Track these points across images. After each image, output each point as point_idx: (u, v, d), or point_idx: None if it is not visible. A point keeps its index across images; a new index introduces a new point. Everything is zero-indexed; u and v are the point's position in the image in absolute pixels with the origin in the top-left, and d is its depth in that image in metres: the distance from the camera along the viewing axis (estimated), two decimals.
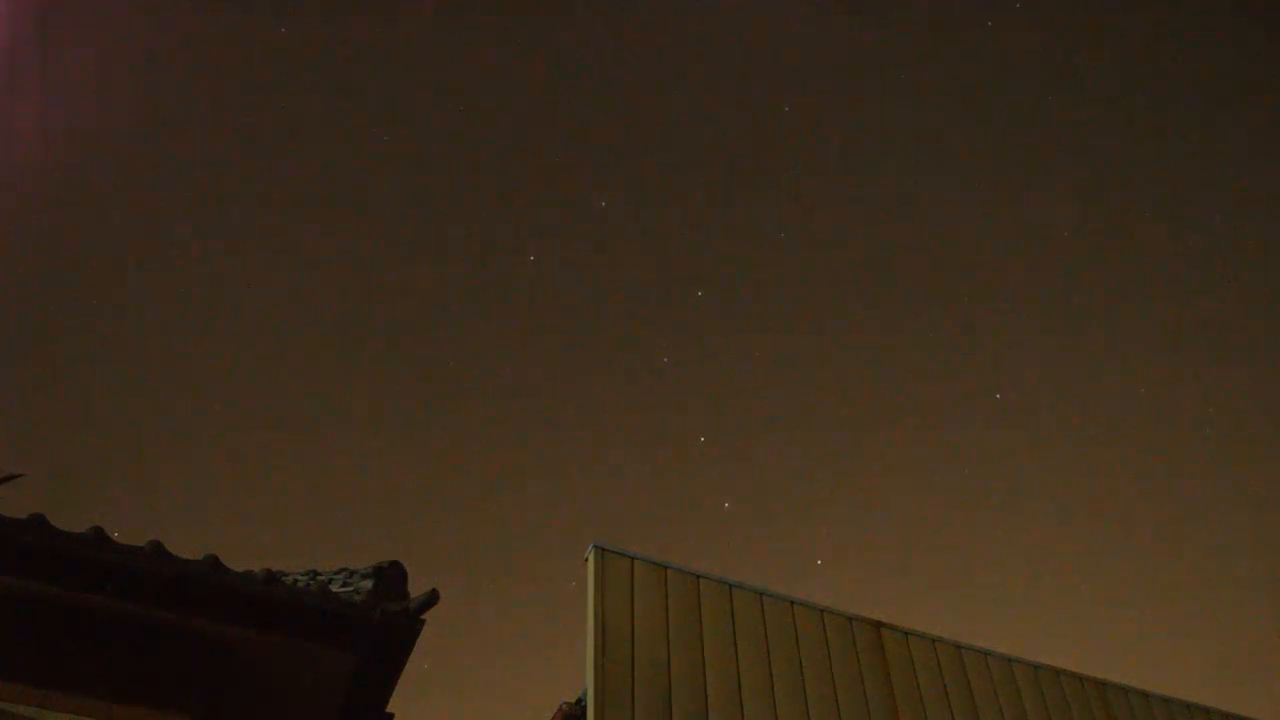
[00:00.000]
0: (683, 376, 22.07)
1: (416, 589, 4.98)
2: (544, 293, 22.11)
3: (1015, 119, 21.08)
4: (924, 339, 21.48)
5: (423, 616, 4.78)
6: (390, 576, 5.01)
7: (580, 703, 5.91)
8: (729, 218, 22.38)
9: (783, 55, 21.30)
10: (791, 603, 6.71)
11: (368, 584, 4.85)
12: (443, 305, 22.13)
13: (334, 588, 4.87)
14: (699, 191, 22.26)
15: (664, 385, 21.92)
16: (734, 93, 21.75)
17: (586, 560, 6.13)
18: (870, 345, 21.95)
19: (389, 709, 5.30)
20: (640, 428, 22.27)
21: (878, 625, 6.95)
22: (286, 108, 20.29)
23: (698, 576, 6.48)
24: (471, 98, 21.41)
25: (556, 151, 21.95)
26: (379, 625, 4.61)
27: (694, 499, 21.89)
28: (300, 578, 5.06)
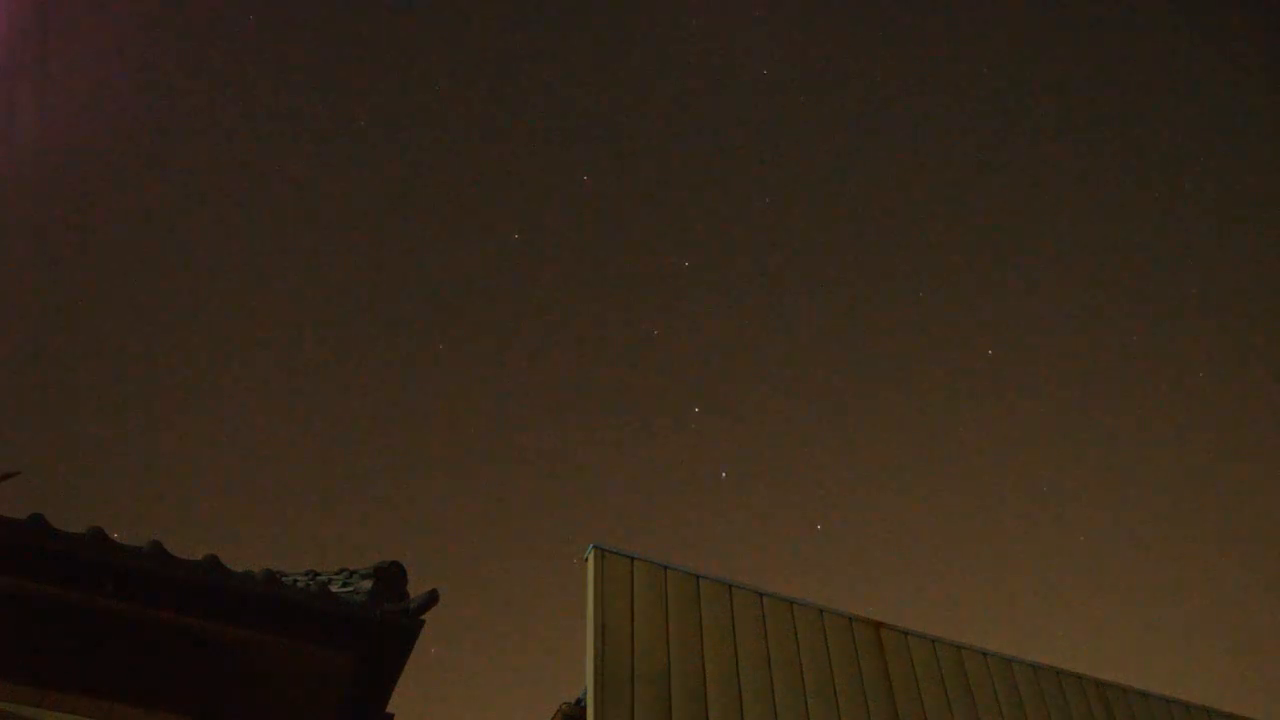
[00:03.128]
0: (673, 348, 22.01)
1: (416, 589, 4.99)
2: (531, 271, 22.03)
3: (1008, 72, 20.96)
4: (914, 299, 21.38)
5: (423, 616, 4.78)
6: (390, 576, 5.02)
7: (580, 703, 5.92)
8: (713, 185, 22.31)
9: (761, 21, 21.17)
10: (791, 603, 6.72)
11: (368, 584, 4.85)
12: (433, 295, 22.07)
13: (334, 588, 4.87)
14: (681, 160, 22.19)
15: (654, 358, 21.87)
16: (712, 59, 21.65)
17: (586, 560, 6.14)
18: (861, 307, 21.87)
19: (389, 709, 5.30)
20: (633, 402, 22.24)
21: (877, 625, 6.95)
22: (260, 97, 20.22)
23: (697, 577, 6.49)
24: (449, 78, 21.33)
25: (537, 128, 21.88)
26: (379, 625, 4.61)
27: (690, 469, 21.85)
28: (300, 578, 5.07)
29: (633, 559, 6.28)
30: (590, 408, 22.48)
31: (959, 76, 21.03)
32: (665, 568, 6.38)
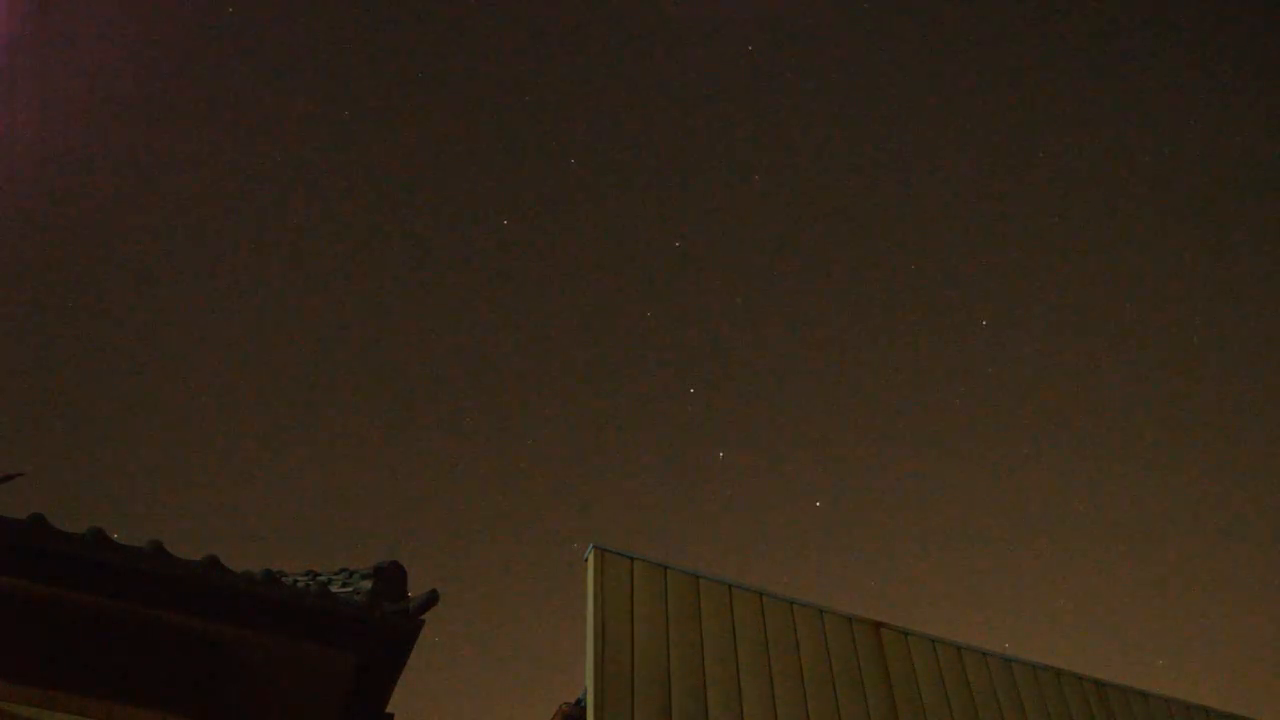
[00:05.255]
0: (667, 330, 21.89)
1: (416, 589, 4.99)
2: (521, 257, 21.90)
3: (1001, 47, 20.75)
4: (907, 272, 21.24)
5: (422, 616, 4.79)
6: (390, 576, 5.02)
7: (580, 703, 5.92)
8: (701, 165, 22.13)
9: None
10: (791, 603, 6.72)
11: (368, 584, 4.85)
12: (424, 287, 21.98)
13: (334, 588, 4.88)
14: (669, 140, 22.01)
15: (648, 341, 21.76)
16: (696, 36, 21.45)
17: (586, 561, 6.14)
18: (856, 283, 21.74)
19: (389, 709, 5.31)
20: (628, 385, 22.15)
21: (877, 625, 6.95)
22: (249, 92, 20.12)
23: (698, 577, 6.49)
24: (431, 66, 21.21)
25: (522, 113, 21.75)
26: (379, 625, 4.62)
27: (687, 452, 21.75)
28: (300, 578, 5.07)
29: (633, 559, 6.28)
30: (585, 394, 22.44)
31: (952, 49, 20.89)
32: (665, 568, 6.38)
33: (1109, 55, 20.33)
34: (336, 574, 5.22)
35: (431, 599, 4.82)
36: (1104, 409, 20.70)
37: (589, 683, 5.50)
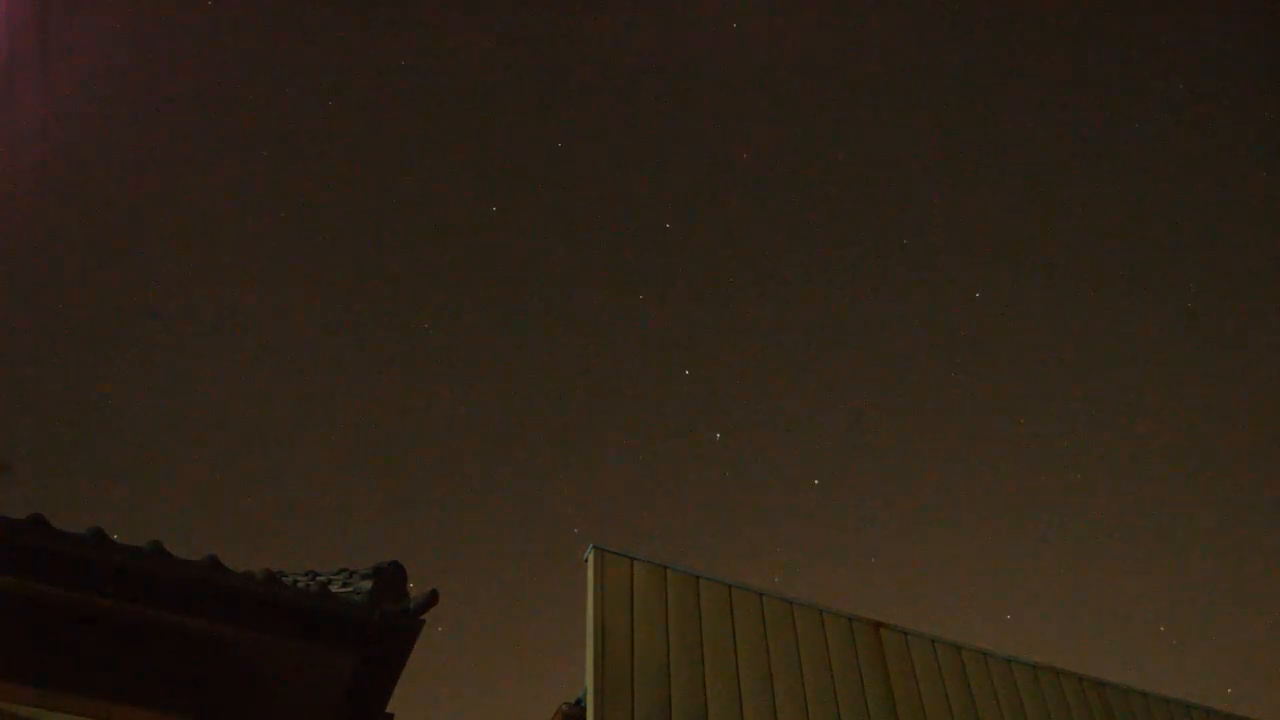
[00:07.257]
0: (662, 312, 21.80)
1: (417, 589, 4.99)
2: (510, 244, 21.80)
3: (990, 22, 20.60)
4: (899, 248, 21.14)
5: (422, 617, 4.79)
6: (390, 576, 5.02)
7: (580, 703, 5.92)
8: (688, 144, 21.95)
9: None
10: (790, 603, 6.72)
11: (368, 584, 4.85)
12: (417, 281, 21.91)
13: (334, 588, 4.87)
14: (654, 120, 21.86)
15: (643, 324, 21.68)
16: (679, 14, 21.32)
17: (586, 561, 6.14)
18: (848, 258, 21.61)
19: (389, 709, 5.31)
20: (621, 371, 22.09)
21: (877, 625, 6.96)
22: (228, 84, 20.03)
23: (698, 577, 6.49)
24: (414, 50, 21.07)
25: (507, 97, 21.64)
26: (379, 625, 4.62)
27: (684, 435, 21.68)
28: (300, 578, 5.07)
29: (632, 559, 6.28)
30: (579, 382, 22.37)
31: (941, 24, 20.72)
32: (665, 568, 6.39)
33: (1098, 32, 20.27)
34: (336, 574, 5.21)
35: (431, 599, 4.82)
36: (1106, 413, 20.70)
37: (589, 682, 5.51)
